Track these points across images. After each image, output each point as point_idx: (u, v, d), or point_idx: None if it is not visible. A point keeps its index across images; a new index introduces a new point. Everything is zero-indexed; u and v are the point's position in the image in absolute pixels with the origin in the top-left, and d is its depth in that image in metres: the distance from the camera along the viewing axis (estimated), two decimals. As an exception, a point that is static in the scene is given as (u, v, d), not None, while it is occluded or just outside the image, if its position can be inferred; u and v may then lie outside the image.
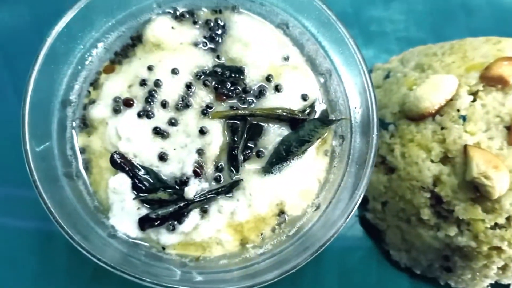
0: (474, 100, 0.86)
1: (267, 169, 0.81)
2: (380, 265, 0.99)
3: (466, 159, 0.82)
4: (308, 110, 0.85)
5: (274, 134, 0.83)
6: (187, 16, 0.89)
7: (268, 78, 0.85)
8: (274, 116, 0.83)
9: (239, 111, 0.82)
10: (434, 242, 0.90)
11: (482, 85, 0.87)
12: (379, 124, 0.94)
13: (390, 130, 0.93)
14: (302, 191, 0.83)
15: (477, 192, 0.82)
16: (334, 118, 0.85)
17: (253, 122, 0.83)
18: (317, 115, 0.85)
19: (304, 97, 0.85)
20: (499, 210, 0.83)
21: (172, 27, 0.88)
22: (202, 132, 0.81)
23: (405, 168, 0.89)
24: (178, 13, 0.89)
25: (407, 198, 0.90)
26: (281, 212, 0.81)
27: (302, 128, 0.82)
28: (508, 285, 0.96)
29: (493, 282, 0.94)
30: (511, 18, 1.17)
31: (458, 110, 0.86)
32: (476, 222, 0.84)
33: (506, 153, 0.84)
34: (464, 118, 0.85)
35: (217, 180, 0.80)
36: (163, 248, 0.78)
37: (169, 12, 0.89)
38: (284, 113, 0.82)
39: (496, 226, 0.84)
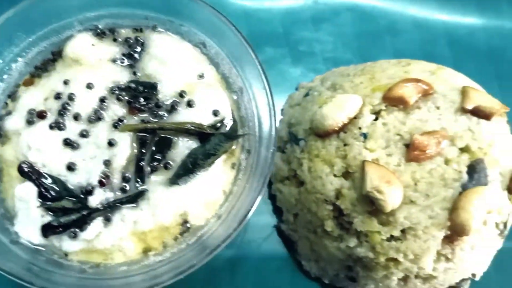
0: (376, 119, 0.91)
1: (174, 181, 0.85)
2: (294, 275, 1.03)
3: (363, 174, 0.86)
4: (218, 125, 0.89)
5: (183, 147, 0.87)
6: (108, 33, 0.94)
7: (181, 94, 0.89)
8: (183, 130, 0.87)
9: (148, 125, 0.86)
10: (337, 253, 0.94)
11: (384, 105, 0.92)
12: (293, 140, 0.99)
13: (301, 145, 0.97)
14: (207, 202, 0.86)
15: (373, 206, 0.87)
16: (241, 133, 0.89)
17: (162, 135, 0.87)
18: (226, 130, 0.89)
19: (216, 113, 0.90)
20: (394, 223, 0.87)
21: (93, 44, 0.93)
22: (111, 144, 0.85)
23: (311, 181, 0.94)
24: (99, 30, 0.94)
25: (313, 211, 0.94)
26: (185, 222, 0.85)
27: (209, 142, 0.86)
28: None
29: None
30: (437, 41, 1.23)
31: (360, 128, 0.91)
32: (373, 234, 0.88)
33: (403, 169, 0.88)
34: (365, 135, 0.90)
35: (123, 190, 0.84)
36: (66, 255, 0.81)
37: (91, 29, 0.94)
38: (193, 127, 0.87)
39: (392, 238, 0.88)
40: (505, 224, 0.92)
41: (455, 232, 0.85)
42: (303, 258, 1.02)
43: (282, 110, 1.12)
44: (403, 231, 0.88)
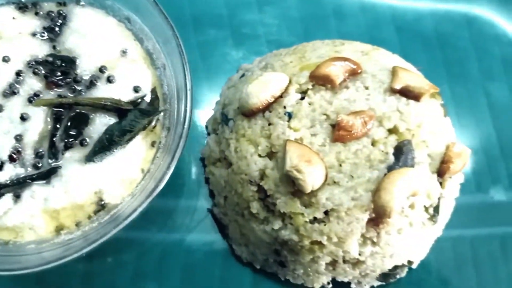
0: (302, 99, 0.89)
1: (89, 158, 0.83)
2: (226, 260, 1.00)
3: (284, 153, 0.84)
4: (138, 101, 0.86)
5: (101, 124, 0.85)
6: (31, 7, 0.91)
7: (101, 69, 0.87)
8: (100, 106, 0.84)
9: (64, 99, 0.84)
10: (264, 236, 0.91)
11: (311, 84, 0.89)
12: (224, 120, 0.97)
13: (230, 126, 0.95)
14: (123, 180, 0.84)
15: (295, 186, 0.84)
16: (157, 110, 0.86)
17: (78, 111, 0.84)
18: (145, 107, 0.87)
19: (136, 89, 0.87)
20: (316, 204, 0.85)
21: (13, 17, 0.90)
22: (23, 118, 0.82)
23: (237, 162, 0.91)
24: (21, 4, 0.91)
25: (239, 192, 0.91)
26: (100, 200, 0.82)
27: (125, 118, 0.84)
28: (349, 283, 0.97)
29: (330, 279, 0.96)
30: (384, 26, 1.20)
31: (285, 107, 0.88)
32: (296, 215, 0.86)
33: (327, 149, 0.86)
34: (290, 114, 0.88)
35: (35, 166, 0.81)
36: (-26, 232, 0.79)
37: (13, 3, 0.91)
38: (109, 103, 0.84)
39: (315, 220, 0.86)
40: (435, 209, 0.90)
41: (377, 214, 0.83)
42: (234, 242, 0.99)
43: (220, 93, 1.10)
44: (326, 213, 0.85)
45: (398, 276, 0.99)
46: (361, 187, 0.84)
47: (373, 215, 0.85)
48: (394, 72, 0.90)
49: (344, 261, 0.91)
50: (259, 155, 0.89)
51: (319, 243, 0.87)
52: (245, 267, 1.00)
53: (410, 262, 0.99)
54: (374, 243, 0.88)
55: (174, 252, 1.00)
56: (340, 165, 0.85)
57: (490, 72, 1.17)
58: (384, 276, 0.97)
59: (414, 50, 1.17)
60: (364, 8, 1.20)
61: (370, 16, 1.20)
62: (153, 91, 0.88)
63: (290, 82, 0.89)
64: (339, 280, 0.96)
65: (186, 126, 0.79)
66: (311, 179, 0.82)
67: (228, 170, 0.94)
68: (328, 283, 0.97)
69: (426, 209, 0.89)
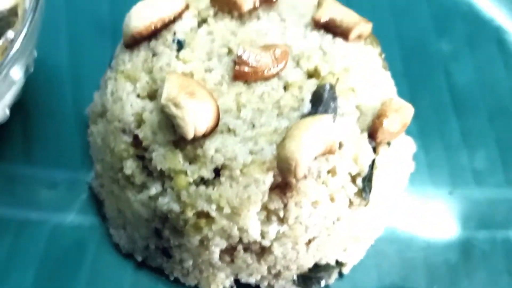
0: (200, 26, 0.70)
1: None
2: (100, 251, 0.76)
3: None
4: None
5: None
6: None
7: None
8: None
9: None
10: (142, 210, 0.69)
11: (213, 9, 0.70)
12: (110, 60, 0.77)
13: (112, 64, 0.74)
14: None
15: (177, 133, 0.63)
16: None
17: None
18: None
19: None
20: (203, 157, 0.63)
21: None
22: None
23: (111, 106, 0.70)
24: None
25: (111, 147, 0.70)
26: None
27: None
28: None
29: (231, 279, 0.72)
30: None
31: (175, 33, 0.68)
32: (177, 175, 0.64)
33: (225, 89, 0.66)
34: (180, 43, 0.68)
35: None
36: None
37: None
38: None
39: (202, 182, 0.64)
40: (366, 180, 0.68)
41: (281, 171, 0.61)
42: (112, 225, 0.76)
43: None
44: (216, 171, 0.63)
45: (323, 284, 0.75)
46: (263, 138, 0.63)
47: (279, 179, 0.63)
48: (319, 2, 0.71)
49: (246, 249, 0.68)
50: (138, 95, 0.68)
51: (207, 216, 0.64)
52: (124, 260, 0.76)
53: (339, 264, 0.76)
54: (281, 220, 0.65)
55: (32, 236, 0.76)
56: (240, 110, 0.65)
57: (452, 50, 0.99)
58: (303, 280, 0.74)
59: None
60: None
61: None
62: (13, 8, 0.69)
63: (187, 7, 0.70)
64: (244, 281, 0.72)
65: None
66: (193, 118, 0.60)
67: (103, 120, 0.72)
68: (232, 287, 0.73)
69: (353, 178, 0.67)
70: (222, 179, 0.63)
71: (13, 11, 0.69)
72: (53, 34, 0.87)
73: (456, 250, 0.82)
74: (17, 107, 0.78)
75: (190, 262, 0.70)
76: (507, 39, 1.02)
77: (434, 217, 0.85)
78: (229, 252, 0.68)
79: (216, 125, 0.63)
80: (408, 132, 0.86)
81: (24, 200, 0.78)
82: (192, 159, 0.64)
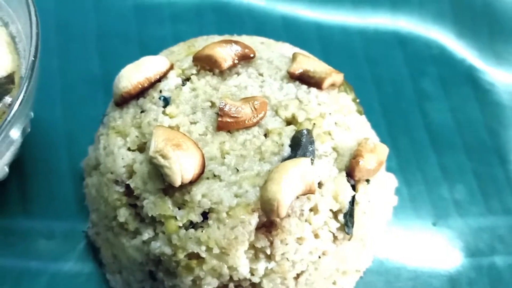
0: (184, 84, 0.75)
1: None
2: (97, 296, 0.79)
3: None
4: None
5: None
6: None
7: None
8: None
9: None
10: (136, 254, 0.73)
11: (196, 68, 0.76)
12: (102, 117, 0.83)
13: (105, 121, 0.80)
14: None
15: (166, 182, 0.68)
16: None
17: None
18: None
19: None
20: (191, 203, 0.67)
21: None
22: None
23: (104, 159, 0.75)
24: None
25: (105, 197, 0.74)
26: None
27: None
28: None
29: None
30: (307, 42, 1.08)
31: (161, 91, 0.74)
32: (168, 220, 0.68)
33: (209, 138, 0.71)
34: (166, 99, 0.74)
35: None
36: None
37: None
38: None
39: (191, 225, 0.68)
40: (348, 215, 0.72)
41: (265, 211, 0.65)
42: (108, 270, 0.79)
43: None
44: (204, 215, 0.68)
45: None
46: (247, 182, 0.68)
47: (264, 219, 0.67)
48: (293, 57, 0.78)
49: (236, 287, 0.71)
50: (129, 149, 0.73)
51: (198, 257, 0.68)
52: (121, 304, 0.79)
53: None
54: (268, 257, 0.69)
55: (31, 285, 0.79)
56: (224, 157, 0.70)
57: (427, 92, 1.05)
58: (295, 316, 0.76)
59: (341, 69, 1.05)
60: (287, 22, 1.10)
61: (293, 32, 1.09)
62: (10, 76, 0.75)
63: (172, 67, 0.76)
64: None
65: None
66: (179, 166, 0.65)
67: (97, 173, 0.77)
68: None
69: (335, 215, 0.71)
70: (210, 222, 0.67)
71: (10, 78, 0.76)
72: (47, 95, 0.93)
73: (444, 278, 0.86)
74: (15, 164, 0.83)
75: (185, 304, 0.73)
76: (479, 77, 1.08)
77: (420, 248, 0.89)
78: (220, 291, 0.72)
79: (202, 172, 0.68)
80: (389, 169, 0.91)
81: (23, 251, 0.82)
82: (180, 205, 0.68)
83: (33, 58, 0.68)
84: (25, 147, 0.87)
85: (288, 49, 0.83)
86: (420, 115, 1.03)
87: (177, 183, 0.66)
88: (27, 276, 0.80)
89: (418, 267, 0.87)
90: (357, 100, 0.83)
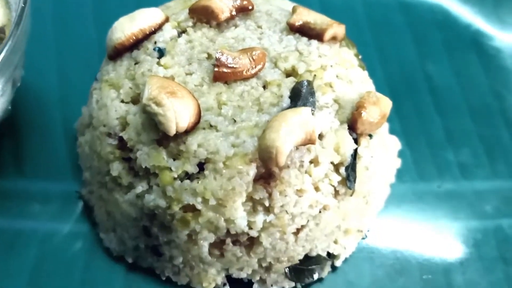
0: (180, 36, 0.73)
1: None
2: (91, 256, 0.77)
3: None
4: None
5: None
6: None
7: None
8: None
9: None
10: (130, 209, 0.70)
11: (192, 20, 0.74)
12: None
13: (98, 76, 0.77)
14: None
15: (160, 131, 0.65)
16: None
17: None
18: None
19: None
20: (186, 153, 0.65)
21: None
22: None
23: (97, 113, 0.73)
24: None
25: (98, 151, 0.72)
26: None
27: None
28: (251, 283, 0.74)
29: (223, 275, 0.73)
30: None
31: (155, 43, 0.72)
32: (162, 171, 0.66)
33: (205, 89, 0.68)
34: (161, 50, 0.72)
35: None
36: None
37: None
38: None
39: (186, 176, 0.66)
40: (349, 169, 0.69)
41: (263, 160, 0.63)
42: (102, 229, 0.77)
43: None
44: (200, 165, 0.65)
45: (316, 277, 0.76)
46: (245, 132, 0.65)
47: (262, 170, 0.65)
48: (293, 10, 0.75)
49: (234, 242, 0.69)
50: (122, 101, 0.71)
51: (194, 209, 0.66)
52: (115, 263, 0.77)
53: (331, 256, 0.76)
54: (266, 210, 0.66)
55: (25, 245, 0.77)
56: (220, 108, 0.67)
57: (431, 55, 1.03)
58: (295, 273, 0.74)
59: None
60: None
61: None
62: (1, 29, 0.73)
63: (167, 20, 0.74)
64: (235, 276, 0.73)
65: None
66: (173, 114, 0.63)
67: (90, 130, 0.75)
68: (224, 285, 0.74)
69: (336, 168, 0.69)
70: (206, 172, 0.65)
71: (1, 31, 0.73)
72: (42, 57, 0.91)
73: (449, 239, 0.83)
74: (7, 124, 0.81)
75: (180, 259, 0.71)
76: (484, 42, 1.06)
77: (425, 209, 0.86)
78: (218, 246, 0.69)
79: (198, 121, 0.65)
80: (393, 131, 0.89)
81: (17, 212, 0.79)
82: (175, 155, 0.66)
83: (22, 5, 0.66)
84: (18, 107, 0.86)
85: (287, 3, 0.81)
86: (424, 79, 1.00)
87: (172, 131, 0.63)
88: (22, 236, 0.78)
89: (422, 229, 0.84)
90: (360, 56, 0.80)
